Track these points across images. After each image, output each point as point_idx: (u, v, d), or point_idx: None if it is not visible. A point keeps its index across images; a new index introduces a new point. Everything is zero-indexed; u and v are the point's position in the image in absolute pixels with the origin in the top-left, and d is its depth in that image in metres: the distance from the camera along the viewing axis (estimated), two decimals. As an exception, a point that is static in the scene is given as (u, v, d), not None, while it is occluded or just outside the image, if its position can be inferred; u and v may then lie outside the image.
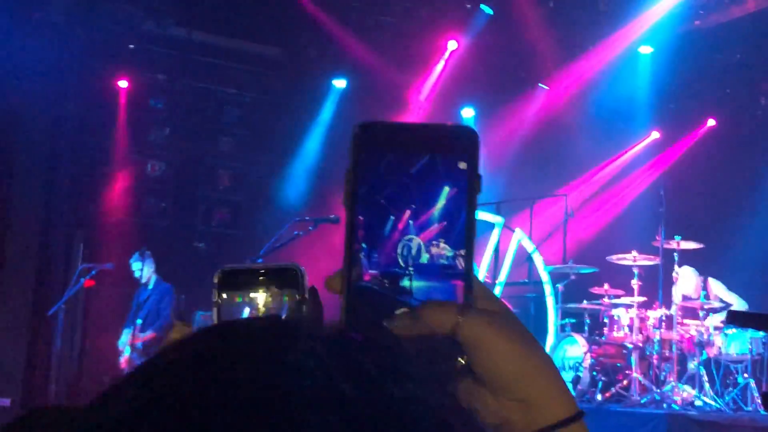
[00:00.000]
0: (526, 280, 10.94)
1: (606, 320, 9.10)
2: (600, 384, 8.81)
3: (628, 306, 9.01)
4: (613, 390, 8.70)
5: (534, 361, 0.69)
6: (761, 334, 8.24)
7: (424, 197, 0.70)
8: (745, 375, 8.36)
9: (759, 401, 8.18)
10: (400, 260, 0.70)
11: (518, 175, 11.75)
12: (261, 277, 0.82)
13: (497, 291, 11.06)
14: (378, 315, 0.67)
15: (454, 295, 0.69)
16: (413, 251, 0.70)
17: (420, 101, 11.81)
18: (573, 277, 9.82)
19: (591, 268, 9.72)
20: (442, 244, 0.70)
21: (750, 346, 8.38)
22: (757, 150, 10.47)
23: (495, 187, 11.89)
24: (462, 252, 0.69)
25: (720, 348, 8.53)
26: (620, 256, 9.20)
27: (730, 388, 8.38)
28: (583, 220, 11.45)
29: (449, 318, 0.67)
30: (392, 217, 0.70)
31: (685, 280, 9.05)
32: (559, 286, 9.87)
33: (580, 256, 10.42)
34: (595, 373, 8.91)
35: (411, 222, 0.70)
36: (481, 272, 11.28)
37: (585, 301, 9.47)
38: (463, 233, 0.70)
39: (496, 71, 11.68)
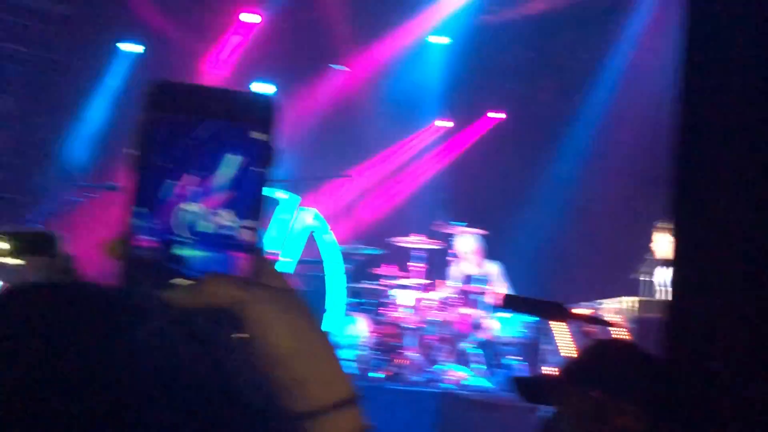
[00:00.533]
0: (315, 259, 11.00)
1: (387, 301, 9.30)
2: (378, 363, 9.01)
3: (409, 287, 9.25)
4: (390, 369, 8.91)
5: (313, 341, 0.68)
6: (533, 318, 8.68)
7: (212, 164, 0.66)
8: (516, 357, 8.78)
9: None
10: (181, 228, 0.66)
11: (312, 154, 11.76)
12: (13, 243, 0.76)
13: (287, 269, 11.06)
14: (155, 284, 0.64)
15: (236, 267, 0.66)
16: (196, 219, 0.66)
17: (215, 73, 11.59)
18: (359, 257, 9.97)
19: (376, 250, 9.91)
20: (227, 215, 0.66)
21: (522, 330, 8.81)
22: (540, 144, 10.99)
23: (288, 165, 11.88)
24: (248, 224, 0.66)
25: (493, 330, 8.92)
26: (404, 238, 9.42)
27: (502, 370, 8.78)
28: (371, 202, 11.65)
29: (231, 292, 0.65)
30: (176, 183, 0.66)
31: (467, 252, 9.35)
32: (346, 265, 10.00)
33: (367, 238, 10.60)
34: (374, 351, 9.10)
35: (197, 189, 0.66)
36: (272, 249, 11.24)
37: (369, 282, 9.64)
38: (251, 205, 0.67)
39: (296, 49, 11.64)
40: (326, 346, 0.69)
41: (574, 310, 2.71)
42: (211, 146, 0.66)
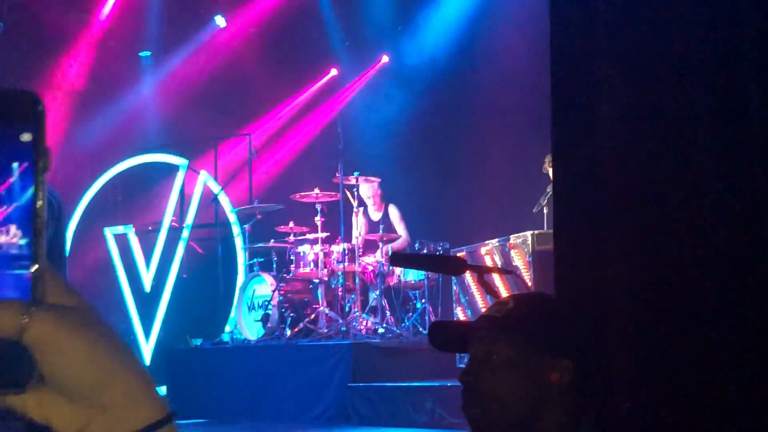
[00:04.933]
0: (213, 222, 10.86)
1: (292, 257, 9.26)
2: (289, 320, 8.98)
3: (313, 242, 9.21)
4: (301, 325, 8.91)
5: (113, 363, 0.61)
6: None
7: None
8: (423, 301, 8.86)
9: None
10: None
11: (201, 116, 11.54)
12: None
13: (185, 234, 10.90)
14: None
15: (18, 288, 0.59)
16: None
17: (91, 41, 11.20)
18: (259, 216, 9.87)
19: (276, 207, 9.82)
20: (12, 230, 0.59)
21: (426, 273, 8.88)
22: (430, 86, 10.98)
23: (178, 129, 11.64)
24: (30, 237, 0.59)
25: (399, 276, 8.98)
26: (303, 193, 9.36)
27: (410, 314, 8.86)
28: (267, 160, 11.52)
29: (12, 318, 0.58)
30: None
31: (366, 201, 9.35)
32: (246, 226, 9.89)
33: (265, 196, 10.50)
34: (283, 309, 9.07)
35: None
36: (167, 216, 11.05)
37: (272, 240, 9.57)
38: (30, 215, 0.59)
39: (173, 9, 11.34)
40: (129, 363, 0.63)
41: (468, 257, 2.70)
42: None
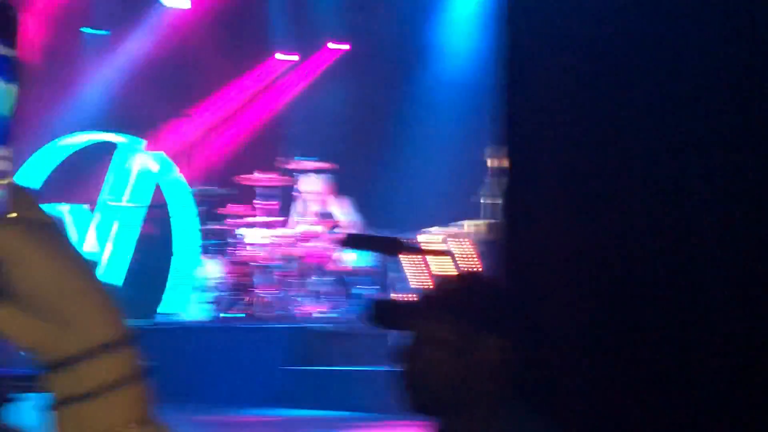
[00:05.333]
0: (158, 204, 10.77)
1: (235, 240, 9.23)
2: (233, 302, 8.96)
3: (258, 225, 9.19)
4: (244, 307, 8.89)
5: (76, 279, 0.61)
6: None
7: None
8: (363, 286, 8.90)
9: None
10: None
11: (148, 96, 11.42)
12: None
13: (124, 214, 10.78)
14: None
15: None
16: None
17: (40, 14, 11.01)
18: (207, 198, 9.82)
19: (222, 190, 9.78)
20: None
21: (370, 259, 8.92)
22: (388, 75, 11.00)
23: (127, 109, 11.51)
24: (4, 152, 0.60)
25: (341, 262, 9.00)
26: (249, 176, 9.33)
27: (350, 299, 8.89)
28: (217, 141, 11.44)
29: None
30: None
31: (314, 191, 9.33)
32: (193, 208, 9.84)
33: (212, 178, 10.43)
34: (228, 291, 9.04)
35: None
36: (110, 195, 10.93)
37: (218, 222, 9.52)
38: (1, 129, 0.60)
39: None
40: (90, 281, 0.63)
41: (406, 243, 2.75)
42: None
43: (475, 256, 6.73)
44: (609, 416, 2.00)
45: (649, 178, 2.11)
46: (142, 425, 0.63)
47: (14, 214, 0.61)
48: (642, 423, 1.97)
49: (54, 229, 0.63)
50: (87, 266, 0.64)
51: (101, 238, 10.76)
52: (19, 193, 0.62)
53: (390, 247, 2.60)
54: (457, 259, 6.72)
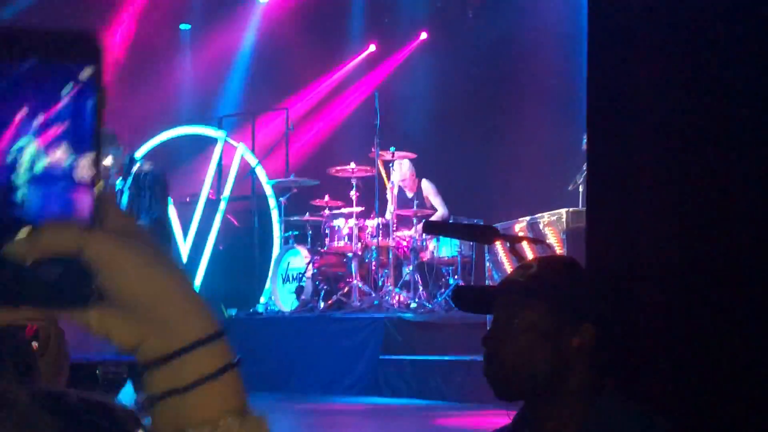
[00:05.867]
0: (250, 195, 10.97)
1: (327, 231, 9.33)
2: (322, 293, 9.07)
3: (348, 216, 9.27)
4: (334, 297, 8.99)
5: (167, 280, 0.66)
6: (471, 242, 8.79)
7: (43, 103, 0.63)
8: (455, 276, 8.90)
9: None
10: (13, 169, 0.62)
11: (240, 89, 11.64)
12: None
13: (222, 206, 11.02)
14: None
15: (77, 207, 0.63)
16: (31, 159, 0.63)
17: (132, 13, 11.30)
18: (295, 190, 9.96)
19: (312, 181, 9.90)
20: (63, 151, 0.63)
21: (459, 249, 8.92)
22: (467, 63, 10.97)
23: (217, 102, 11.74)
24: (85, 159, 0.63)
25: (432, 252, 9.01)
26: (339, 168, 9.41)
27: (442, 290, 8.90)
28: (304, 134, 11.59)
29: (72, 238, 0.62)
30: (6, 123, 0.62)
31: (401, 176, 9.35)
32: (282, 199, 9.98)
33: (301, 170, 10.57)
34: (317, 282, 9.15)
35: (28, 128, 0.62)
36: (205, 188, 11.18)
37: (307, 213, 9.64)
38: (86, 139, 0.64)
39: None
40: (182, 282, 0.67)
41: (501, 230, 2.73)
42: (38, 83, 0.63)
43: (568, 246, 6.65)
44: (698, 404, 1.97)
45: (738, 167, 2.07)
46: (238, 415, 0.66)
47: (102, 221, 0.64)
48: (731, 411, 1.93)
49: (142, 235, 0.67)
50: (178, 269, 0.67)
51: (197, 230, 11.02)
52: (107, 201, 0.65)
53: (483, 235, 2.59)
54: (553, 247, 6.65)
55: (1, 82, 0.63)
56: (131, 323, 0.65)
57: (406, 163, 9.41)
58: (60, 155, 0.63)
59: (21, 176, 0.63)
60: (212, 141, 11.24)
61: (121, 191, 6.13)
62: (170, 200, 7.08)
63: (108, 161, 6.10)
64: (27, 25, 0.64)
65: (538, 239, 5.34)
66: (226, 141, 11.18)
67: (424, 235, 8.93)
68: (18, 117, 0.63)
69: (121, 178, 6.19)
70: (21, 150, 0.63)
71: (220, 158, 11.16)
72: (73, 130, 0.64)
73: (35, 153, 0.63)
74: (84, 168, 0.63)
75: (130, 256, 0.64)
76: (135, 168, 6.28)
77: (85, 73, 0.64)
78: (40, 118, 0.63)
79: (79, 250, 0.63)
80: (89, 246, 0.63)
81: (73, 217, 0.63)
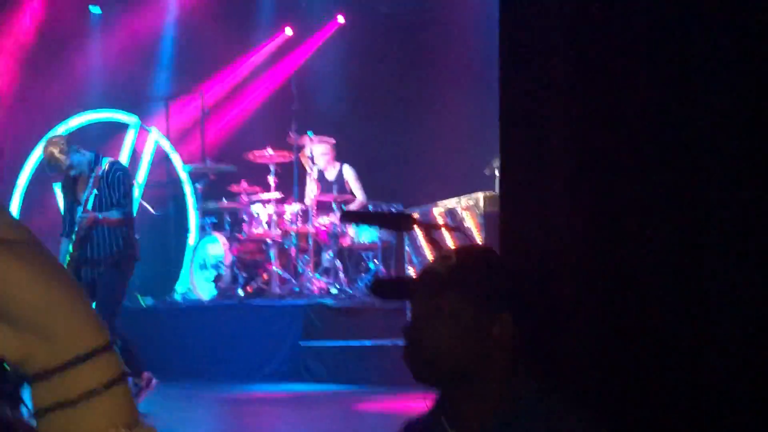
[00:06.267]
0: (165, 181, 10.78)
1: (245, 217, 9.24)
2: (241, 280, 8.99)
3: (266, 202, 9.20)
4: (254, 285, 8.91)
5: (58, 291, 0.63)
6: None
7: None
8: (376, 261, 8.91)
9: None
10: None
11: (152, 74, 11.41)
12: None
13: (136, 193, 10.79)
14: None
15: None
16: None
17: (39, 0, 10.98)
18: (212, 176, 9.82)
19: (229, 167, 9.78)
20: None
21: (379, 235, 8.93)
22: (382, 47, 10.94)
23: (130, 87, 11.49)
24: None
25: (352, 238, 9.00)
26: (257, 153, 9.32)
27: (363, 275, 8.90)
28: (220, 119, 11.43)
29: None
30: None
31: (319, 162, 9.30)
32: (198, 185, 9.85)
33: (218, 155, 10.44)
34: (236, 269, 9.07)
35: None
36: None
37: (224, 200, 9.53)
38: None
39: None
40: (71, 293, 0.64)
41: (420, 215, 2.72)
42: None
43: (486, 230, 6.72)
44: (617, 392, 2.00)
45: (651, 159, 2.09)
46: (128, 429, 0.64)
47: None
48: (652, 400, 1.96)
49: (35, 246, 0.64)
50: (68, 280, 0.65)
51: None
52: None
53: (398, 222, 2.58)
54: (469, 232, 6.70)
55: None
56: (17, 335, 0.62)
57: (325, 146, 9.37)
58: None
59: None
60: (125, 126, 10.99)
61: (90, 192, 6.17)
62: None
63: (70, 165, 6.18)
64: None
65: (455, 226, 5.38)
66: (139, 126, 10.95)
67: (343, 220, 8.92)
68: None
69: (90, 180, 6.22)
70: None
71: (134, 144, 10.93)
72: None
73: None
74: None
75: (18, 266, 0.62)
76: (103, 167, 6.29)
77: None
78: None
79: None
80: None
81: None
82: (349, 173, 9.39)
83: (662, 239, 1.99)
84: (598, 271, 2.05)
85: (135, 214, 6.72)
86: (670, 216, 1.99)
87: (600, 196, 2.11)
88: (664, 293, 1.97)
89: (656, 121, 2.05)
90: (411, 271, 8.02)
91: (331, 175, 9.42)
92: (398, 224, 2.67)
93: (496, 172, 7.77)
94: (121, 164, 6.75)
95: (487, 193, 7.04)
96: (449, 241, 6.75)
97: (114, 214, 6.23)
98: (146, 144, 10.91)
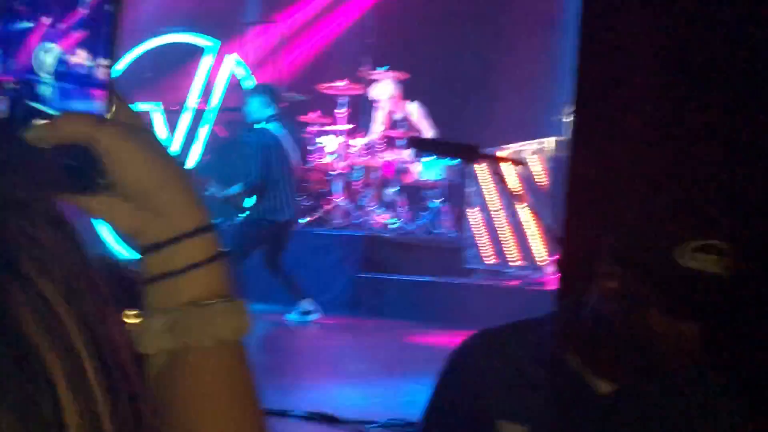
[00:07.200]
0: (239, 107, 10.90)
1: (313, 148, 9.34)
2: (306, 208, 9.12)
3: (334, 134, 9.28)
4: (316, 214, 9.05)
5: (168, 172, 0.71)
6: (455, 161, 8.83)
7: (65, 6, 0.69)
8: (438, 200, 8.96)
9: (447, 224, 8.84)
10: (39, 68, 0.68)
11: (233, 0, 11.50)
12: None
13: (210, 117, 10.97)
14: (13, 122, 0.67)
15: (93, 104, 0.70)
16: (53, 59, 0.69)
17: None
18: (285, 104, 9.91)
19: (301, 96, 9.86)
20: (83, 54, 0.69)
21: (444, 174, 8.96)
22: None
23: (209, 11, 11.59)
24: (103, 62, 0.69)
25: (416, 175, 9.05)
26: (330, 84, 9.38)
27: (424, 212, 8.97)
28: (295, 49, 11.49)
29: (85, 127, 0.68)
30: (32, 24, 0.68)
31: (387, 97, 9.34)
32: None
33: (292, 84, 10.51)
34: (301, 197, 9.19)
35: (53, 30, 0.69)
36: (193, 97, 11.12)
37: (296, 129, 9.61)
38: (105, 44, 0.70)
39: None
40: (181, 175, 0.72)
41: (481, 151, 2.76)
42: None
43: (552, 173, 6.72)
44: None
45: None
46: (223, 298, 0.72)
47: (113, 116, 0.70)
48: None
49: (147, 130, 0.73)
50: (176, 162, 0.73)
51: (187, 139, 11.00)
52: (119, 100, 0.71)
53: (464, 152, 2.63)
54: (526, 164, 6.70)
55: None
56: (133, 210, 0.71)
57: (393, 82, 9.37)
58: (80, 57, 0.69)
59: (44, 74, 0.69)
60: (202, 50, 11.13)
61: None
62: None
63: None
64: None
65: (518, 160, 5.39)
66: (217, 51, 11.08)
67: (409, 156, 8.97)
68: (43, 23, 0.68)
69: None
70: (46, 51, 0.69)
71: (210, 68, 11.08)
72: (92, 36, 0.69)
73: (58, 55, 0.69)
74: (100, 69, 0.69)
75: (137, 147, 0.70)
76: None
77: None
78: (62, 25, 0.69)
79: (91, 138, 0.68)
80: (100, 135, 0.68)
81: (89, 111, 0.69)
82: (416, 110, 9.40)
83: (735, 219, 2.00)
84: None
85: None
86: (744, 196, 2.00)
87: (671, 155, 2.13)
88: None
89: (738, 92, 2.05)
90: (473, 212, 8.06)
91: (399, 111, 9.45)
92: (465, 154, 2.72)
93: (566, 119, 7.73)
94: None
95: (561, 138, 7.01)
96: (515, 180, 6.78)
97: None
98: (222, 68, 11.05)
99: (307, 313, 7.51)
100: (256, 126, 7.56)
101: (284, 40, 10.69)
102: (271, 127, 7.43)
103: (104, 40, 0.70)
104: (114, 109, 0.70)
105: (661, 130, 2.20)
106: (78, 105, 0.69)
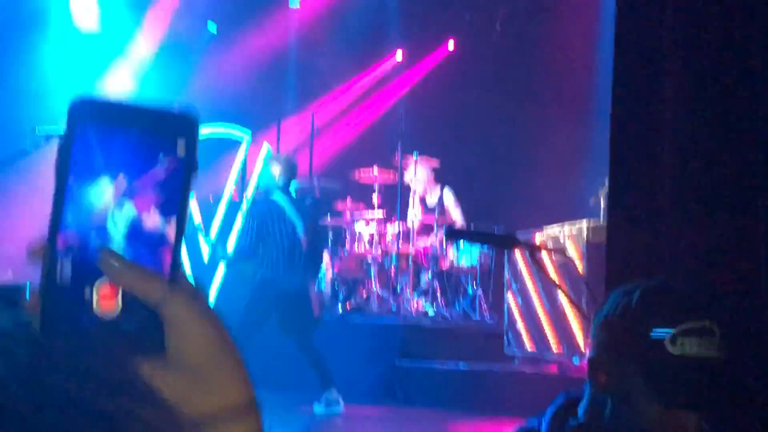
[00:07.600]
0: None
1: (348, 235, 9.36)
2: (341, 297, 9.10)
3: (369, 221, 9.31)
4: (353, 302, 9.02)
5: (224, 349, 0.70)
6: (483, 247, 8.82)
7: (142, 168, 0.70)
8: (474, 285, 8.91)
9: (484, 309, 8.77)
10: (112, 227, 0.69)
11: (266, 91, 11.71)
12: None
13: (244, 207, 11.07)
14: (80, 283, 0.68)
15: (162, 266, 0.70)
16: (126, 219, 0.70)
17: (162, 15, 11.39)
18: (318, 192, 10.00)
19: (335, 184, 9.94)
20: (156, 216, 0.70)
21: (479, 259, 8.94)
22: (491, 73, 11.00)
23: (243, 103, 11.81)
24: (174, 225, 0.70)
25: (452, 261, 9.03)
26: (363, 172, 9.45)
27: (461, 299, 8.91)
28: (329, 138, 11.64)
29: (158, 291, 0.68)
30: (104, 188, 0.69)
31: (420, 183, 9.39)
32: (306, 201, 10.01)
33: (325, 173, 10.62)
34: (336, 286, 9.19)
35: (128, 191, 0.70)
36: (228, 187, 11.25)
37: (329, 217, 9.68)
38: (177, 207, 0.71)
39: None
40: (232, 348, 0.71)
41: (521, 239, 2.75)
42: (141, 155, 0.70)
43: (588, 260, 6.67)
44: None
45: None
46: None
47: (179, 283, 0.70)
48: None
49: (202, 295, 0.72)
50: (226, 332, 0.72)
51: (225, 230, 11.08)
52: (180, 264, 0.71)
53: (504, 242, 2.62)
54: (567, 255, 6.66)
55: (107, 149, 0.69)
56: (180, 379, 0.70)
57: (426, 168, 9.43)
58: (151, 217, 0.70)
59: (117, 231, 0.70)
60: (237, 141, 11.30)
61: None
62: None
63: None
64: (133, 101, 0.71)
65: (558, 249, 5.37)
66: (251, 141, 11.24)
67: (444, 242, 8.97)
68: (119, 180, 0.69)
69: None
70: (119, 208, 0.70)
71: (245, 159, 11.23)
72: (165, 198, 0.71)
73: (130, 213, 0.70)
74: (171, 231, 0.70)
75: (198, 319, 0.69)
76: None
77: (180, 146, 0.70)
78: (137, 183, 0.70)
79: (160, 303, 0.68)
80: (169, 301, 0.68)
81: (159, 272, 0.70)
82: (449, 197, 9.44)
83: None
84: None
85: None
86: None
87: (712, 231, 2.11)
88: None
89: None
90: (510, 297, 7.99)
91: (432, 197, 9.48)
92: (502, 243, 2.71)
93: (602, 203, 7.69)
94: None
95: (592, 222, 6.98)
96: (551, 266, 6.74)
97: None
98: (257, 158, 11.19)
99: (333, 403, 7.39)
100: (261, 192, 7.68)
101: (319, 129, 10.83)
102: (277, 196, 7.41)
103: (176, 203, 0.71)
104: (178, 273, 0.70)
105: (696, 211, 2.18)
106: (149, 264, 0.70)
